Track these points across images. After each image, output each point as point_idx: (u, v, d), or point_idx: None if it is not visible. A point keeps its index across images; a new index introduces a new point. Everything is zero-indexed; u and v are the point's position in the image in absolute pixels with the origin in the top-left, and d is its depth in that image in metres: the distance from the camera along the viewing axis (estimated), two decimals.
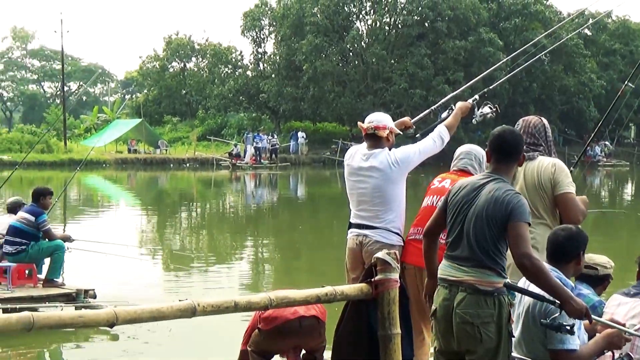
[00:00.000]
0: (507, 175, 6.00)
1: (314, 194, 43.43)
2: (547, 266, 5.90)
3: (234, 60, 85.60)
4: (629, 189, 51.93)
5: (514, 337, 5.92)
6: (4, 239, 13.78)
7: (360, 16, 74.89)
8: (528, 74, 69.89)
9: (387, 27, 74.58)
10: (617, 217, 30.49)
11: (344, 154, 8.39)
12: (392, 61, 72.84)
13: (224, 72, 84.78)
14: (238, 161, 64.52)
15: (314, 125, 77.88)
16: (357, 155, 8.08)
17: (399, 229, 7.91)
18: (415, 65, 69.61)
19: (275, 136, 69.67)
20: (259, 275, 18.36)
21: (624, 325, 5.95)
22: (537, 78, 73.50)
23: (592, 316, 5.65)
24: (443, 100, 9.41)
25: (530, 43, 13.22)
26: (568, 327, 5.50)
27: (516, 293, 5.98)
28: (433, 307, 6.04)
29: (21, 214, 13.84)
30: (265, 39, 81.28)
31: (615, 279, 7.24)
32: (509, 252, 5.75)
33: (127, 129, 70.70)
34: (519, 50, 12.67)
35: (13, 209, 14.81)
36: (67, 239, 14.32)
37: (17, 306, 11.76)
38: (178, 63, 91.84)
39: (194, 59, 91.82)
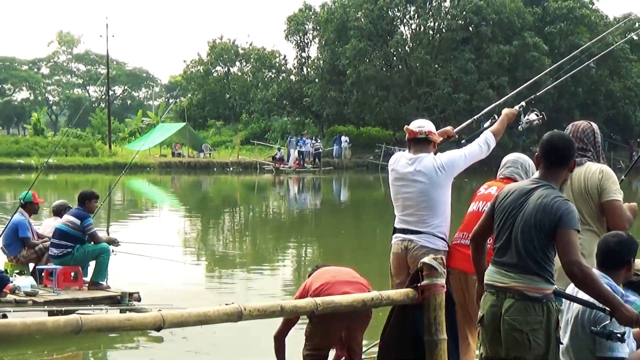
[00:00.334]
0: (555, 181, 5.91)
1: (357, 198, 43.37)
2: (597, 272, 5.86)
3: (277, 64, 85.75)
4: None
5: (561, 343, 5.87)
6: (50, 242, 13.90)
7: (404, 20, 74.73)
8: (573, 79, 69.13)
9: (431, 32, 74.38)
10: None
11: (387, 158, 8.41)
12: (436, 65, 72.61)
13: (268, 76, 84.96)
14: (281, 165, 64.60)
15: (357, 130, 77.79)
16: (402, 160, 8.05)
17: (445, 233, 7.89)
18: (459, 70, 69.36)
19: (319, 140, 69.68)
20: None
21: None
22: (582, 83, 72.87)
23: None
24: (486, 110, 9.36)
25: (579, 50, 13.13)
26: (619, 335, 5.45)
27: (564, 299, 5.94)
28: (480, 314, 5.99)
29: (67, 217, 13.94)
30: (309, 44, 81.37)
31: None
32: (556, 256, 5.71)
33: (171, 133, 71.02)
34: (566, 58, 12.56)
35: (59, 212, 14.93)
36: (112, 242, 14.40)
37: (63, 308, 11.85)
38: (222, 67, 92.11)
39: (237, 63, 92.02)
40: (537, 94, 9.35)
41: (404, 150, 8.25)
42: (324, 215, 34.32)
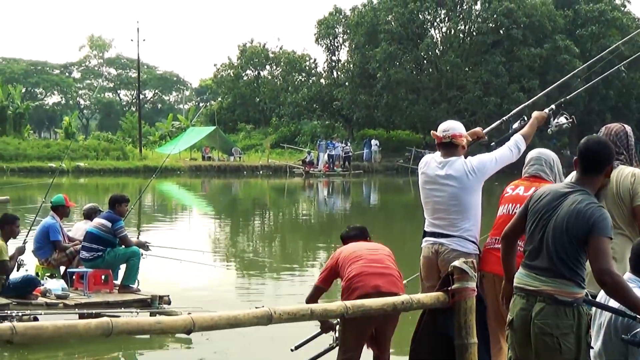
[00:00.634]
0: (591, 187, 5.82)
1: (386, 201, 43.33)
2: (631, 276, 5.81)
3: (307, 68, 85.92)
4: None
5: (592, 348, 5.83)
6: (81, 245, 13.97)
7: (435, 24, 74.70)
8: (604, 82, 68.88)
9: (461, 35, 74.28)
10: None
11: (417, 161, 8.40)
12: (467, 69, 72.52)
13: (298, 80, 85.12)
14: (311, 169, 64.65)
15: (387, 133, 77.80)
16: (432, 163, 8.03)
17: (475, 237, 7.87)
18: (489, 73, 69.22)
19: (349, 144, 69.70)
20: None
21: None
22: (614, 86, 72.52)
23: None
24: (516, 110, 9.30)
25: (606, 51, 13.07)
26: None
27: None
28: (509, 317, 5.96)
29: (98, 220, 14.01)
30: (339, 47, 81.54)
31: None
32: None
33: (201, 137, 71.30)
34: (595, 58, 12.52)
35: (89, 215, 15.01)
36: (143, 246, 14.45)
37: (93, 311, 11.90)
38: (252, 71, 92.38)
39: (268, 66, 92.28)
40: (567, 97, 9.29)
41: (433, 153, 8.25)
42: (353, 219, 34.28)
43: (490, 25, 72.06)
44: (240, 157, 70.80)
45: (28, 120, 75.99)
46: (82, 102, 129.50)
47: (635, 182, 6.83)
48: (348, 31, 78.45)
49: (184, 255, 16.34)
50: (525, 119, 8.59)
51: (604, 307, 5.79)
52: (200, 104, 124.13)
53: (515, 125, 8.65)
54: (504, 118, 9.38)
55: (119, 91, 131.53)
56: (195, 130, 75.73)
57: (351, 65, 76.79)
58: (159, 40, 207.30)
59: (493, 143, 8.90)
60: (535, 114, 8.52)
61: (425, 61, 74.71)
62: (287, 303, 9.47)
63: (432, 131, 8.24)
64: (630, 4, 79.00)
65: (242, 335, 11.12)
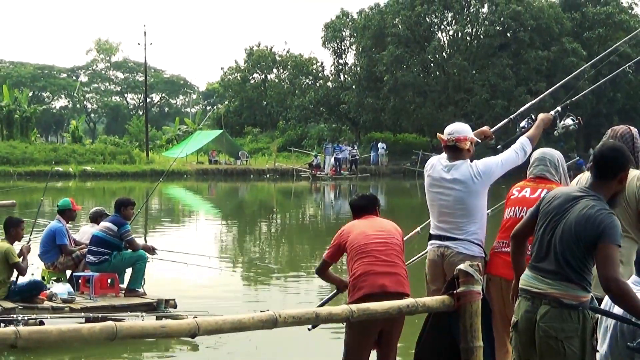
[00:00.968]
0: (604, 192, 5.80)
1: (393, 205, 43.30)
2: (637, 279, 5.80)
3: (314, 71, 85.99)
4: None
5: (597, 351, 5.82)
6: (87, 249, 13.98)
7: (442, 27, 74.63)
8: (612, 84, 68.83)
9: (468, 38, 74.22)
10: None
11: (424, 165, 8.35)
12: (474, 72, 72.46)
13: (305, 83, 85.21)
14: (318, 172, 64.67)
15: (394, 136, 77.80)
16: (437, 166, 8.03)
17: (481, 240, 7.86)
18: (497, 76, 69.15)
19: (356, 147, 69.70)
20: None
21: None
22: (621, 88, 72.42)
23: None
24: (522, 109, 9.29)
25: (609, 49, 13.04)
26: None
27: (600, 305, 5.89)
28: (514, 319, 5.97)
29: (104, 223, 14.02)
30: (346, 50, 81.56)
31: None
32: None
33: (208, 140, 71.38)
34: (599, 57, 12.48)
35: (95, 218, 15.03)
36: (150, 250, 14.46)
37: (100, 315, 11.92)
38: (259, 74, 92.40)
39: (275, 70, 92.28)
40: (573, 99, 9.27)
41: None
42: None
43: (498, 28, 72.04)
44: (247, 161, 70.84)
45: (35, 124, 76.04)
46: (89, 105, 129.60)
47: None
48: (355, 34, 78.46)
49: (190, 259, 16.35)
50: (533, 117, 8.58)
51: (609, 314, 5.77)
52: (207, 108, 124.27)
53: (523, 124, 8.64)
54: (511, 117, 9.36)
55: (126, 95, 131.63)
56: (202, 134, 75.82)
57: (358, 69, 76.85)
58: (166, 43, 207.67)
59: (499, 146, 8.90)
60: (541, 115, 8.52)
61: (432, 64, 74.65)
62: (294, 307, 9.47)
63: (438, 133, 8.23)
64: (637, 6, 78.99)
65: (248, 339, 11.14)
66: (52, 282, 13.65)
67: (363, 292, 7.74)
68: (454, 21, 73.78)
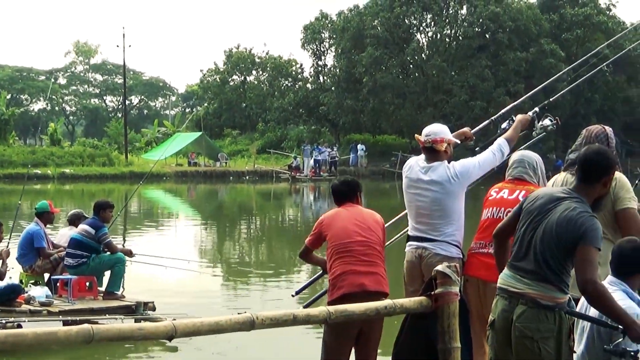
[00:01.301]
0: (587, 195, 5.81)
1: (373, 206, 42.92)
2: (613, 279, 5.83)
3: (294, 73, 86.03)
4: None
5: (575, 352, 5.84)
6: (65, 252, 13.92)
7: (421, 28, 74.74)
8: (590, 85, 69.11)
9: (447, 39, 74.38)
10: None
11: (404, 166, 8.35)
12: (453, 73, 72.62)
13: (284, 85, 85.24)
14: (297, 174, 64.67)
15: (373, 138, 77.86)
16: (415, 167, 8.03)
17: (459, 242, 7.86)
18: (475, 77, 69.31)
19: (335, 148, 69.74)
20: (318, 289, 18.33)
21: None
22: (599, 89, 72.71)
23: None
24: (503, 111, 9.30)
25: (590, 54, 13.07)
26: (632, 353, 5.41)
27: (576, 305, 5.91)
28: (491, 318, 5.99)
29: (82, 226, 13.97)
30: (326, 52, 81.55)
31: None
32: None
33: (187, 142, 71.24)
34: (578, 61, 12.52)
35: (73, 221, 14.98)
36: (128, 253, 14.42)
37: (78, 318, 11.86)
38: (238, 76, 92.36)
39: (254, 72, 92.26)
40: (551, 100, 9.30)
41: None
42: None
43: (476, 29, 72.17)
44: (226, 163, 70.75)
45: (13, 127, 75.69)
46: (67, 108, 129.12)
47: (617, 187, 6.81)
48: (334, 36, 78.48)
49: (169, 262, 16.31)
50: (514, 118, 8.59)
51: (585, 317, 5.79)
52: (187, 110, 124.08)
53: (504, 125, 8.65)
54: (492, 118, 9.36)
55: (104, 97, 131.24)
56: (182, 136, 75.68)
57: (337, 70, 76.86)
58: (145, 45, 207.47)
59: (477, 148, 8.91)
60: (519, 117, 8.53)
61: (411, 65, 74.73)
62: (273, 309, 9.45)
63: (416, 135, 8.23)
64: (615, 8, 79.14)
65: (228, 341, 11.14)
66: (30, 286, 13.59)
67: (343, 292, 7.74)
68: (432, 23, 73.90)
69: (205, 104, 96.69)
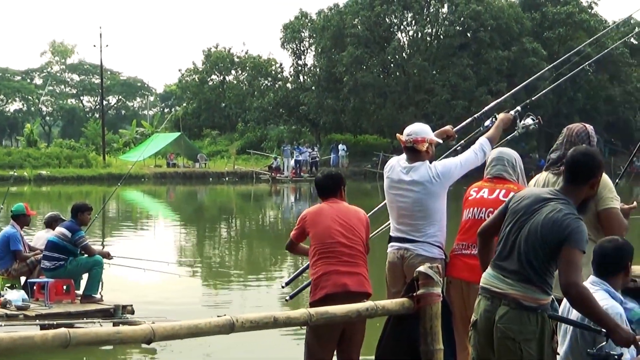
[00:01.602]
0: (574, 197, 5.78)
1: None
2: (595, 279, 5.84)
3: (273, 72, 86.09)
4: None
5: (558, 354, 5.84)
6: (42, 255, 13.86)
7: (402, 27, 74.86)
8: (572, 84, 69.41)
9: (428, 38, 74.51)
10: None
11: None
12: (434, 72, 72.75)
13: (264, 84, 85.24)
14: (278, 174, 64.66)
15: (354, 138, 77.92)
16: (396, 167, 8.02)
17: (441, 242, 7.86)
18: (457, 76, 69.45)
19: (316, 149, 69.73)
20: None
21: None
22: (581, 88, 73.03)
23: None
24: (485, 109, 9.30)
25: (573, 52, 13.12)
26: (615, 357, 5.41)
27: (559, 306, 5.91)
28: (473, 318, 5.96)
29: (59, 229, 13.89)
30: (305, 51, 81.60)
31: None
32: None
33: (166, 143, 71.08)
34: (561, 59, 12.56)
35: (50, 223, 14.89)
36: (106, 255, 14.37)
37: (55, 322, 11.80)
38: (217, 76, 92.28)
39: (233, 71, 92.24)
40: (533, 98, 9.31)
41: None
42: None
43: (458, 28, 72.38)
44: (205, 164, 70.68)
45: None
46: (44, 108, 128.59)
47: (600, 186, 6.80)
48: (314, 35, 78.48)
49: (148, 265, 16.27)
50: (497, 116, 8.58)
51: (568, 321, 5.80)
52: (165, 110, 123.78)
53: (487, 123, 8.64)
54: (474, 116, 9.34)
55: (81, 97, 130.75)
56: (160, 137, 75.49)
57: (317, 70, 76.89)
58: (123, 45, 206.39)
59: (459, 147, 8.91)
60: (500, 116, 8.51)
61: (392, 65, 74.81)
62: (254, 312, 9.45)
63: (397, 134, 8.22)
64: (597, 6, 79.64)
65: (208, 345, 11.11)
66: (6, 289, 13.50)
67: (325, 292, 7.74)
68: (413, 21, 74.01)
69: (184, 104, 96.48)
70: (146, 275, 16.20)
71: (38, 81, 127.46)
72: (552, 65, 12.91)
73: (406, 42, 75.11)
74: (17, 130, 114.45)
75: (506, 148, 8.13)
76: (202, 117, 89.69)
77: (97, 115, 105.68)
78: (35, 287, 13.54)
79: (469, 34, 72.79)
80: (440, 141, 8.37)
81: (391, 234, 8.09)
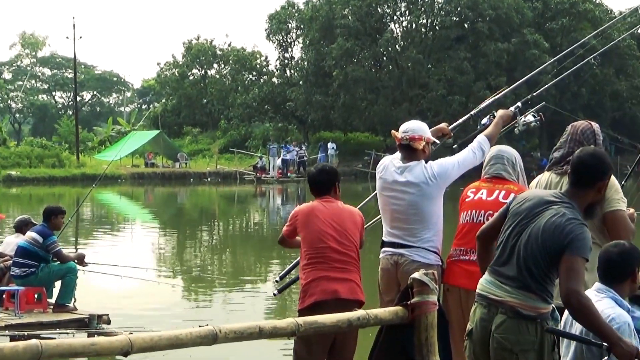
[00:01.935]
0: (579, 201, 5.75)
1: None
2: (600, 286, 5.83)
3: (258, 66, 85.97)
4: None
5: None
6: (12, 261, 13.82)
7: (395, 18, 74.88)
8: (576, 78, 69.24)
9: (423, 29, 74.55)
10: None
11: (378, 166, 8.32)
12: (429, 66, 72.75)
13: (248, 79, 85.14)
14: (263, 175, 64.62)
15: (344, 136, 77.91)
16: (390, 167, 8.00)
17: (437, 248, 7.84)
18: (454, 70, 69.46)
19: (304, 147, 69.68)
20: (285, 299, 18.32)
21: None
22: (586, 82, 72.99)
23: None
24: (482, 105, 9.29)
25: (577, 44, 13.11)
26: None
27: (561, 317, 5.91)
28: (468, 327, 5.96)
29: (30, 234, 13.84)
30: (292, 43, 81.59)
31: None
32: None
33: (144, 142, 70.98)
34: (564, 52, 12.57)
35: (20, 228, 14.83)
36: (81, 259, 14.32)
37: (26, 333, 11.76)
38: (199, 70, 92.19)
39: (215, 65, 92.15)
40: (534, 94, 9.31)
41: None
42: None
43: (454, 18, 72.44)
44: (186, 164, 70.63)
45: None
46: (13, 105, 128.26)
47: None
48: (302, 26, 78.48)
49: (125, 271, 16.23)
50: (495, 113, 8.56)
51: (566, 335, 5.80)
52: (143, 106, 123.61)
53: (484, 121, 8.63)
54: (471, 113, 9.29)
55: (54, 93, 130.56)
56: (138, 135, 75.38)
57: (305, 63, 76.82)
58: (98, 37, 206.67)
59: (455, 145, 8.90)
60: (499, 112, 8.48)
61: (384, 58, 74.84)
62: (238, 321, 9.46)
63: (392, 131, 8.20)
64: None
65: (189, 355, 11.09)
66: None
67: (314, 299, 7.75)
68: (407, 11, 74.03)
69: (163, 100, 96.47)
70: (123, 282, 16.16)
71: (7, 76, 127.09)
72: (554, 58, 12.90)
73: (399, 34, 75.12)
74: None
75: (505, 146, 8.10)
76: (183, 113, 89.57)
77: (71, 112, 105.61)
78: (4, 296, 13.50)
79: (466, 25, 72.86)
80: (438, 141, 8.37)
81: (384, 238, 8.05)
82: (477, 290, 5.91)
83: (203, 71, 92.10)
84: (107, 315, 13.28)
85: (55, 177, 60.18)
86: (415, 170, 7.81)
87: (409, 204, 7.78)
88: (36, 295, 13.52)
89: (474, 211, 7.68)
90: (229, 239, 31.52)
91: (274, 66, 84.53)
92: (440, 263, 7.81)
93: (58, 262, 13.75)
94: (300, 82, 76.92)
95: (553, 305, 5.74)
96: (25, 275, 13.47)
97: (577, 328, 5.81)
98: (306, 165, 66.25)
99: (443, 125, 8.75)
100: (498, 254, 5.86)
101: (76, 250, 22.89)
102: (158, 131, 74.34)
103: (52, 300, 13.73)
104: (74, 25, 74.16)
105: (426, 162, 7.90)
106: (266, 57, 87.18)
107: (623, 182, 7.81)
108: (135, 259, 19.83)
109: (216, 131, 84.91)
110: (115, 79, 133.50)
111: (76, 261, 14.10)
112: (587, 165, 5.81)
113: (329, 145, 70.88)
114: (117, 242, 29.03)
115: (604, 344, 5.39)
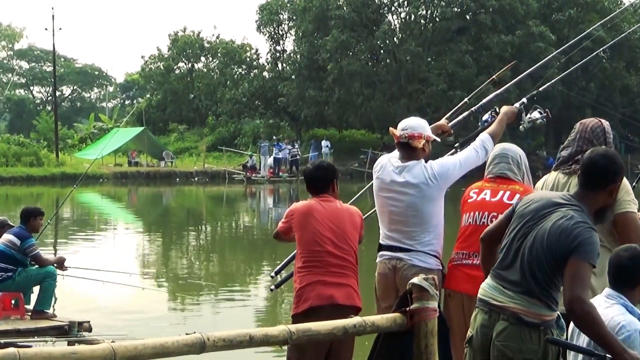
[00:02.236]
0: (588, 204, 5.74)
1: None
2: (610, 292, 5.82)
3: (248, 59, 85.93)
4: None
5: None
6: None
7: (393, 8, 74.90)
8: (584, 73, 69.43)
9: (422, 21, 74.59)
10: None
11: (374, 165, 8.30)
12: (429, 59, 72.77)
13: (238, 73, 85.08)
14: (253, 174, 64.60)
15: (339, 133, 77.96)
16: (388, 166, 7.98)
17: (438, 252, 7.83)
18: (455, 64, 69.48)
19: (296, 145, 69.64)
20: (277, 306, 18.35)
21: None
22: (594, 77, 73.03)
23: None
24: (484, 101, 9.29)
25: (583, 34, 13.18)
26: None
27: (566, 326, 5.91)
28: (469, 333, 5.97)
29: (6, 236, 13.82)
30: (284, 35, 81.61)
31: None
32: None
33: (127, 139, 70.88)
34: (570, 42, 12.58)
35: None
36: (60, 263, 14.29)
37: (2, 341, 11.75)
38: (185, 63, 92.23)
39: (203, 58, 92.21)
40: (540, 89, 9.31)
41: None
42: None
43: (455, 9, 72.43)
44: (172, 162, 70.64)
45: None
46: None
47: None
48: (294, 17, 78.47)
49: (107, 276, 16.23)
50: (497, 109, 8.55)
51: (568, 346, 5.79)
52: (126, 102, 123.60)
53: (486, 117, 8.63)
54: (472, 109, 9.32)
55: (31, 87, 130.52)
56: (121, 132, 75.14)
57: (298, 56, 76.80)
58: (78, 29, 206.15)
59: (457, 143, 8.89)
60: (504, 109, 8.46)
61: (382, 51, 74.90)
62: (227, 329, 9.46)
63: (390, 128, 8.18)
64: None
65: None
66: None
67: (309, 304, 7.76)
68: (406, 2, 74.01)
69: (148, 95, 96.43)
70: (105, 287, 16.18)
71: None
72: (561, 49, 12.93)
73: (397, 25, 75.18)
74: None
75: (510, 144, 8.08)
76: (168, 109, 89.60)
77: (50, 108, 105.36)
78: None
79: (468, 16, 72.89)
80: (438, 139, 8.36)
81: (381, 241, 8.04)
82: (479, 295, 5.91)
83: (190, 65, 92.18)
84: (89, 322, 13.27)
85: (34, 177, 60.12)
86: (414, 170, 7.79)
87: (407, 205, 7.77)
88: (13, 301, 13.49)
89: (476, 213, 7.66)
90: (217, 242, 31.53)
91: (265, 59, 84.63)
92: (441, 267, 7.81)
93: (36, 266, 13.75)
94: (293, 77, 76.90)
95: (558, 312, 5.74)
96: (1, 280, 13.46)
97: (584, 338, 5.80)
98: (299, 165, 66.26)
99: (443, 121, 8.75)
100: (501, 257, 5.85)
101: (55, 254, 22.85)
102: (142, 128, 74.26)
103: (30, 307, 13.71)
104: (53, 16, 74.75)
105: (426, 162, 7.86)
106: (256, 50, 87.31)
107: (634, 184, 7.81)
108: (118, 263, 19.85)
109: (204, 128, 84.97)
110: (96, 72, 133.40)
111: (56, 265, 14.10)
112: (598, 166, 5.79)
113: (323, 143, 70.73)
114: (99, 246, 29.02)
115: (607, 355, 5.38)
